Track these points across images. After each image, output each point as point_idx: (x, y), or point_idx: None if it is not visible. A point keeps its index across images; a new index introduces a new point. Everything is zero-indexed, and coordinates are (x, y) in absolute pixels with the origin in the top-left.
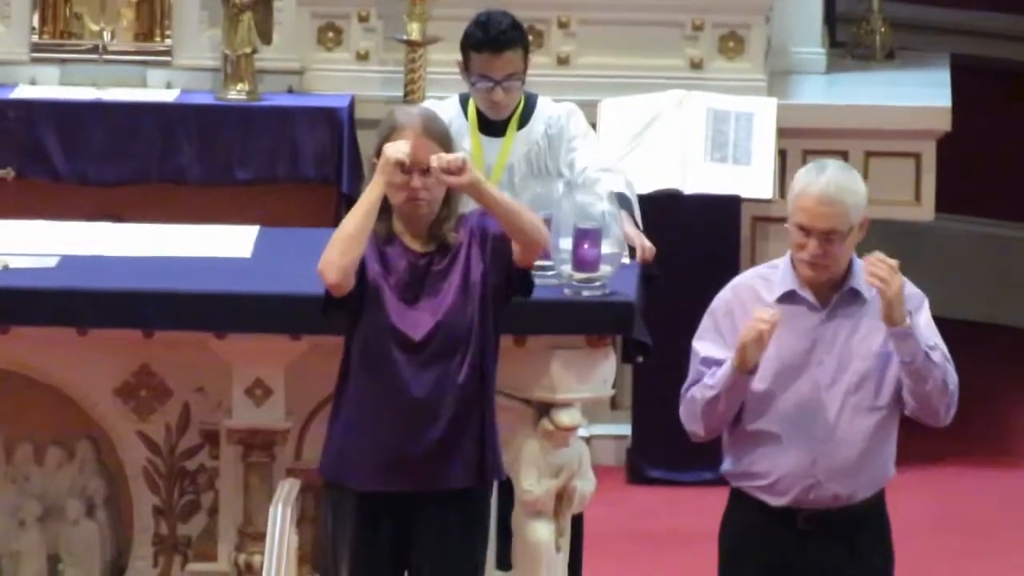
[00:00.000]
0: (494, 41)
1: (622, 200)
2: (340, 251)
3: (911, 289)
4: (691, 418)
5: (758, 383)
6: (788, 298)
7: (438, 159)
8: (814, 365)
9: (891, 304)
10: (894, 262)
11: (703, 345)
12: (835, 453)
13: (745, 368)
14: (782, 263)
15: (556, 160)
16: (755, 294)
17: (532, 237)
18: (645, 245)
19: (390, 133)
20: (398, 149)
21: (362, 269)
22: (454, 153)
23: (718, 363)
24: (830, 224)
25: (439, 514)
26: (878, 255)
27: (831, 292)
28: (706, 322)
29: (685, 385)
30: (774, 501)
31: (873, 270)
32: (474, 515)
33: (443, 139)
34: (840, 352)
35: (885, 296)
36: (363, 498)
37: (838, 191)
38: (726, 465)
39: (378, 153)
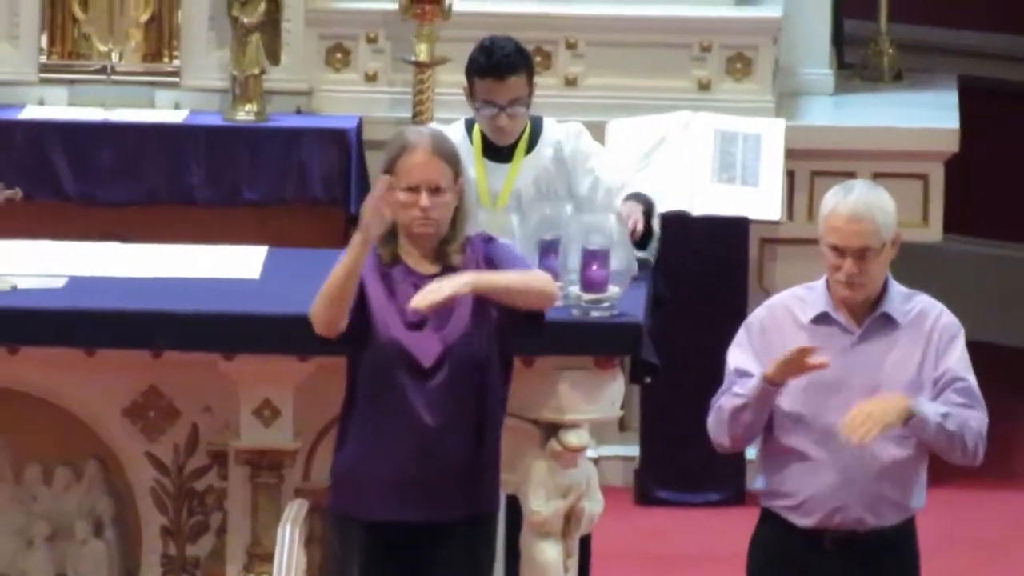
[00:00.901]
0: (497, 67)
1: (645, 200)
2: (323, 307)
3: (948, 318)
4: (718, 427)
5: (789, 403)
6: (821, 320)
7: (420, 302)
8: (844, 388)
9: (886, 429)
10: (865, 413)
11: (736, 356)
12: (862, 477)
13: (776, 381)
14: (819, 284)
15: (569, 182)
16: (790, 314)
17: (541, 302)
18: (637, 220)
19: (400, 152)
20: (376, 193)
21: (362, 297)
22: (431, 288)
23: (750, 375)
24: (863, 241)
25: (447, 543)
26: (849, 421)
27: (864, 315)
28: (741, 335)
29: (716, 395)
30: (801, 521)
31: (850, 434)
32: (482, 543)
33: (452, 159)
34: (871, 376)
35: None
36: (371, 528)
37: (868, 208)
38: (758, 484)
39: (387, 170)
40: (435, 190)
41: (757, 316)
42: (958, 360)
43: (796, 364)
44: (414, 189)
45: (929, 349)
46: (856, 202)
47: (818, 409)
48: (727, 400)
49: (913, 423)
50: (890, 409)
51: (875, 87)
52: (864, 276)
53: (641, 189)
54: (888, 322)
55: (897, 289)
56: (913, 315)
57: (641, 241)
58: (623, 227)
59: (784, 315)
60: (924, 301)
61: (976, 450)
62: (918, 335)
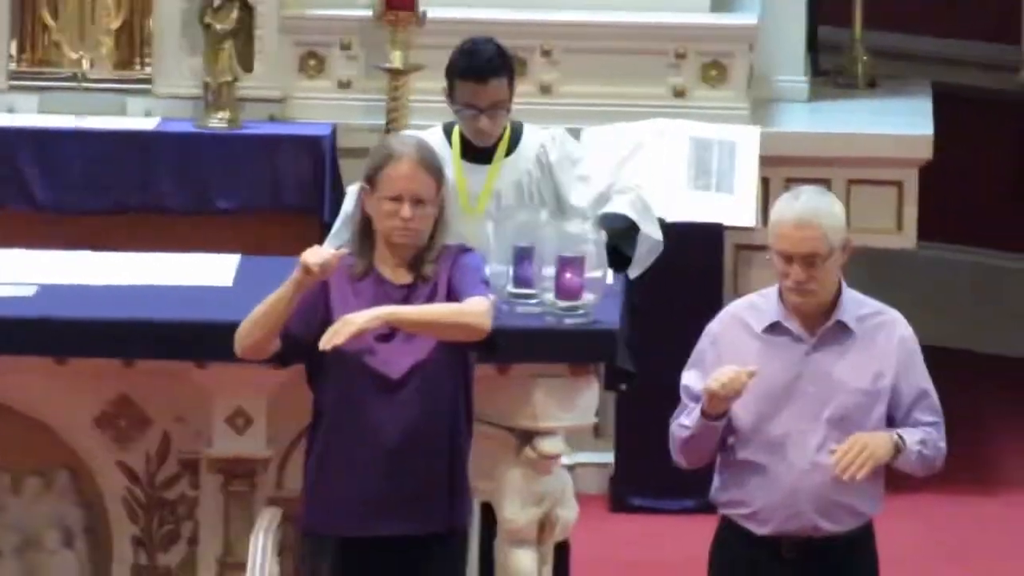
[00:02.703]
0: (479, 70)
1: (622, 221)
2: (249, 331)
3: (905, 330)
4: (674, 450)
5: (743, 413)
6: (774, 329)
7: (326, 342)
8: (798, 396)
9: (877, 462)
10: (862, 445)
11: (688, 375)
12: (816, 485)
13: (712, 414)
14: (772, 292)
15: (556, 187)
16: (743, 324)
17: (466, 335)
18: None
19: (385, 161)
20: (316, 255)
21: (327, 310)
22: (336, 328)
23: (699, 398)
24: (810, 247)
25: (418, 558)
26: (837, 456)
27: (818, 324)
28: (696, 349)
29: (674, 414)
30: (758, 529)
31: (846, 467)
32: (453, 557)
33: (436, 171)
34: (824, 384)
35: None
36: (341, 544)
37: (814, 215)
38: (714, 490)
39: (369, 178)
40: (418, 201)
41: (711, 328)
42: (920, 374)
43: (724, 395)
44: (397, 199)
45: (888, 363)
46: (802, 208)
47: (772, 418)
48: (676, 428)
49: (899, 459)
50: (881, 444)
51: (849, 94)
52: (813, 283)
53: (621, 205)
54: (842, 330)
55: (851, 296)
56: (869, 325)
57: (618, 264)
58: (600, 235)
59: (737, 325)
60: (880, 309)
61: (940, 466)
62: (874, 346)
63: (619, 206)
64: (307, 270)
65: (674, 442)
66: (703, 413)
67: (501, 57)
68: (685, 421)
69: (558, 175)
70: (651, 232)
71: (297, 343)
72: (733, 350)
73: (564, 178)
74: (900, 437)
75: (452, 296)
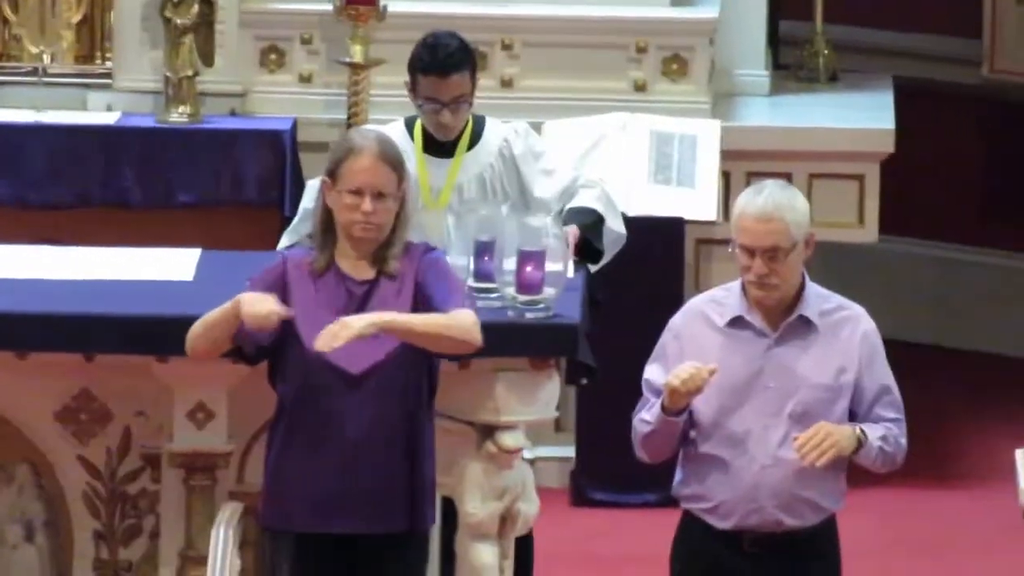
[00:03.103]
0: (441, 64)
1: (590, 215)
2: (199, 337)
3: (868, 325)
4: (636, 444)
5: (705, 408)
6: (736, 323)
7: (323, 343)
8: (760, 390)
9: (839, 452)
10: (826, 432)
11: (651, 369)
12: (778, 480)
13: (672, 410)
14: (735, 287)
15: (521, 180)
16: (706, 319)
17: (458, 349)
18: (575, 234)
19: (346, 155)
20: (257, 309)
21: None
22: (336, 327)
23: (659, 391)
24: (772, 241)
25: (377, 557)
26: (800, 441)
27: (781, 318)
28: (659, 344)
29: (636, 408)
30: (719, 524)
31: (807, 453)
32: (414, 559)
33: (398, 165)
34: (787, 379)
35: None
36: (301, 540)
37: (776, 208)
38: (676, 484)
39: (331, 172)
40: (379, 195)
41: (674, 322)
42: (882, 370)
43: (685, 391)
44: (357, 193)
45: (851, 359)
46: (765, 202)
47: (734, 413)
48: (638, 423)
49: (860, 453)
50: (844, 435)
51: (811, 88)
52: (776, 276)
53: (588, 199)
54: (805, 325)
55: (814, 291)
56: (832, 320)
57: (589, 257)
58: (560, 229)
59: (700, 319)
60: (843, 304)
61: (901, 462)
62: (837, 341)
63: (586, 200)
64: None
65: (636, 436)
66: (663, 408)
67: (463, 51)
68: (646, 416)
69: (522, 168)
70: (615, 226)
71: (259, 343)
72: (695, 344)
73: (528, 171)
74: (862, 431)
75: (422, 298)
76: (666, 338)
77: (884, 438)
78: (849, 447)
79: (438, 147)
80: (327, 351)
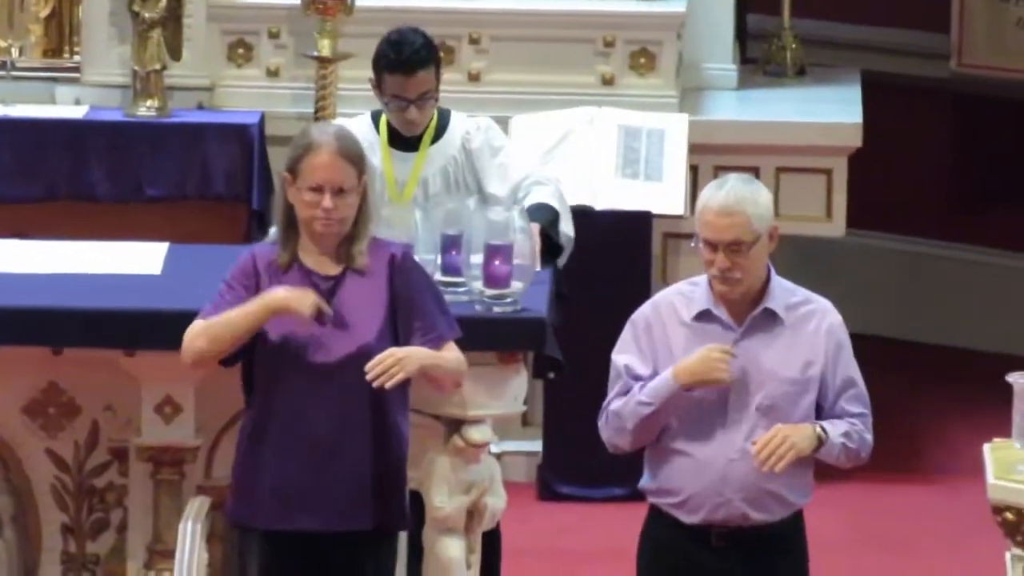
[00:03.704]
0: (406, 63)
1: (549, 211)
2: (207, 345)
3: (834, 318)
4: (617, 432)
5: None
6: (703, 317)
7: (375, 377)
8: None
9: (798, 454)
10: (783, 436)
11: (626, 358)
12: (745, 473)
13: (689, 386)
14: (702, 280)
15: (477, 174)
16: (674, 312)
17: (447, 389)
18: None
19: (305, 151)
20: (302, 302)
21: None
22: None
23: (641, 377)
24: (734, 235)
25: (346, 557)
26: (757, 447)
27: (746, 312)
28: (626, 335)
29: (608, 398)
30: (687, 518)
31: (765, 459)
32: (383, 557)
33: (357, 160)
34: (753, 373)
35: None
36: (268, 536)
37: (738, 202)
38: (644, 480)
39: (290, 169)
40: (339, 191)
41: (642, 314)
42: (849, 363)
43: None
44: (317, 189)
45: (817, 352)
46: (727, 196)
47: (701, 407)
48: (630, 406)
49: (822, 450)
50: (803, 436)
51: (778, 82)
52: (738, 270)
53: (544, 196)
54: (771, 318)
55: (780, 284)
56: (798, 314)
57: (551, 253)
58: (527, 223)
59: (668, 312)
60: (809, 298)
61: (866, 457)
62: (803, 335)
63: (543, 196)
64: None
65: (620, 424)
66: (681, 385)
67: (427, 47)
68: (643, 398)
69: (477, 163)
70: (567, 228)
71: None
72: (664, 336)
73: (483, 166)
74: (823, 429)
75: (404, 309)
76: (637, 329)
77: (847, 434)
78: (808, 448)
79: (403, 141)
80: (380, 385)
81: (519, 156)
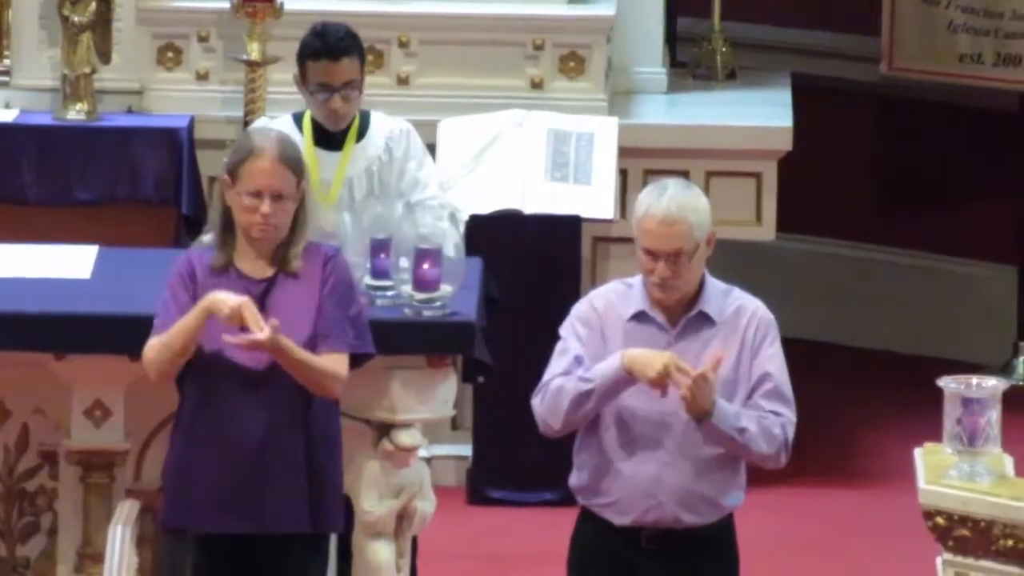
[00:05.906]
0: (332, 49)
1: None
2: (168, 359)
3: (763, 315)
4: (552, 409)
5: None
6: (639, 317)
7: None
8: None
9: (695, 407)
10: (704, 380)
11: (571, 344)
12: (675, 476)
13: (628, 370)
14: (637, 281)
15: (394, 176)
16: (614, 309)
17: (320, 390)
18: None
19: (246, 156)
20: (227, 303)
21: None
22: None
23: (582, 360)
24: (675, 245)
25: (278, 560)
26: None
27: (680, 314)
28: (567, 325)
29: (547, 376)
30: (617, 519)
31: (687, 392)
32: (314, 560)
33: (297, 167)
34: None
35: (687, 404)
36: (202, 540)
37: (680, 211)
38: (573, 479)
39: (230, 172)
40: (277, 197)
41: (581, 308)
42: (770, 359)
43: (643, 371)
44: (256, 195)
45: (744, 348)
46: (668, 204)
47: (634, 408)
48: (571, 382)
49: (704, 425)
50: (708, 398)
51: (708, 86)
52: (678, 278)
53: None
54: (704, 320)
55: (714, 286)
56: (729, 313)
57: None
58: (456, 228)
59: (610, 308)
60: (741, 297)
61: (778, 455)
62: (733, 333)
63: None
64: (216, 310)
65: (558, 400)
66: (627, 371)
67: (352, 37)
68: (586, 375)
69: (396, 162)
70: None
71: None
72: (611, 327)
73: (403, 166)
74: (722, 407)
75: (318, 308)
76: (576, 322)
77: (743, 429)
78: (705, 405)
79: (327, 140)
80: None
81: (433, 173)
